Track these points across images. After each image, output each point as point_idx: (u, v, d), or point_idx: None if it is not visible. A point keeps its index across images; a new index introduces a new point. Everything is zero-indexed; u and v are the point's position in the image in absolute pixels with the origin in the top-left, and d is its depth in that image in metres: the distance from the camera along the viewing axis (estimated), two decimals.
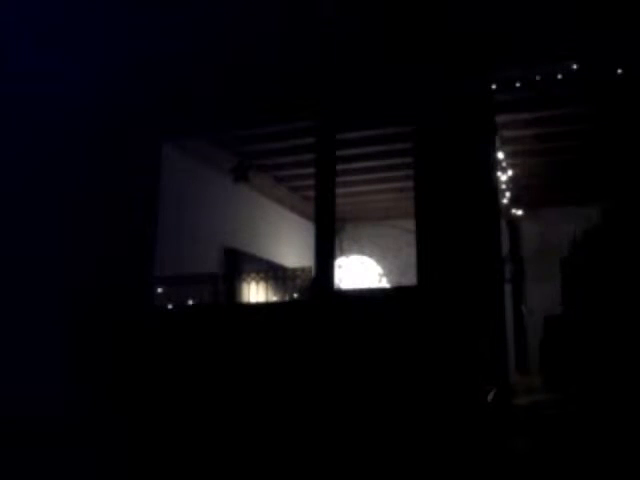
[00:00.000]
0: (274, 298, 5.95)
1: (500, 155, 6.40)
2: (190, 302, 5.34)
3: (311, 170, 4.80)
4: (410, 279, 4.49)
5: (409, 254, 4.95)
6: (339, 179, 4.59)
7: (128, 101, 4.92)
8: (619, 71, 4.69)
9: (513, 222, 8.61)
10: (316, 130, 4.60)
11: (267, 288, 6.03)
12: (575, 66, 4.73)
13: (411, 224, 4.27)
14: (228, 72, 4.81)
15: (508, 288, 8.18)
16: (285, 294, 5.83)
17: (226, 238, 7.04)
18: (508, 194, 7.49)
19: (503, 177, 6.94)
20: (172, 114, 4.93)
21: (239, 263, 7.08)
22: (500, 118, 5.39)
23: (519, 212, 8.32)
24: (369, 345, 4.06)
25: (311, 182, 4.83)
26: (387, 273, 9.58)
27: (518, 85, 5.02)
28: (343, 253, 9.14)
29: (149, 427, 4.35)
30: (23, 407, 4.48)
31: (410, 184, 4.45)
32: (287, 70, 4.66)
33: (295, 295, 5.64)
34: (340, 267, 8.94)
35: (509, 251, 8.39)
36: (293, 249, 8.32)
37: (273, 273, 6.32)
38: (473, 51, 4.26)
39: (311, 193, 5.15)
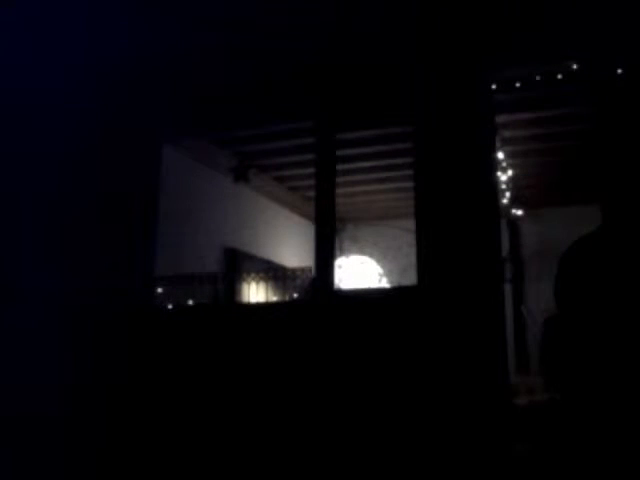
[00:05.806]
0: (274, 298, 5.95)
1: (500, 155, 6.40)
2: (190, 302, 5.34)
3: (311, 170, 4.79)
4: (410, 279, 4.49)
5: (409, 254, 4.95)
6: (339, 179, 4.59)
7: (128, 101, 4.92)
8: (619, 71, 4.69)
9: (513, 222, 8.62)
10: (316, 130, 4.60)
11: (267, 288, 6.02)
12: (575, 66, 4.73)
13: (411, 224, 4.27)
14: (228, 72, 4.81)
15: (508, 288, 8.19)
16: (285, 294, 5.83)
17: (226, 238, 7.05)
18: (508, 194, 7.50)
19: (503, 177, 6.95)
20: (172, 114, 4.93)
21: (239, 263, 7.09)
22: (500, 118, 5.39)
23: (519, 212, 8.32)
24: (369, 345, 4.06)
25: (311, 182, 4.83)
26: (387, 273, 9.58)
27: (518, 85, 5.02)
28: (343, 253, 9.15)
29: (148, 427, 4.36)
30: (22, 407, 4.49)
31: (410, 184, 4.45)
32: (287, 70, 4.66)
33: (295, 295, 5.64)
34: (340, 267, 8.94)
35: (509, 251, 8.40)
36: (293, 249, 8.32)
37: (273, 273, 6.31)
38: (472, 51, 4.26)
39: (311, 193, 5.15)
